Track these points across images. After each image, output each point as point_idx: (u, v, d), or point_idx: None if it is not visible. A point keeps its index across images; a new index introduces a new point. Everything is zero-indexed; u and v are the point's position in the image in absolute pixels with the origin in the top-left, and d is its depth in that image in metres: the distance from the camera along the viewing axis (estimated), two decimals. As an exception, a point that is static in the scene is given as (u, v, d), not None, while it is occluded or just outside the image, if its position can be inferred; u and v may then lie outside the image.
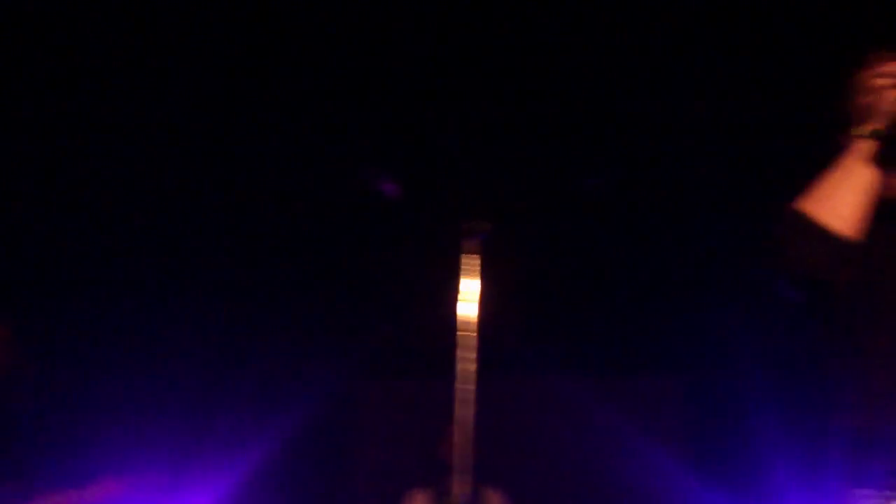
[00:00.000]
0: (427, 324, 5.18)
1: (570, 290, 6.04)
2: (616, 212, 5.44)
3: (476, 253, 3.04)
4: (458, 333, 2.97)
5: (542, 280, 5.89)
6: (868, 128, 1.98)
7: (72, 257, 5.45)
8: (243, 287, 5.88)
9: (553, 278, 5.92)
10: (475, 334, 2.96)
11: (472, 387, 2.91)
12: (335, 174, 5.16)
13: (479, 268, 3.03)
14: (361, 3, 4.03)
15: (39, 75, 4.37)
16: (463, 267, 3.03)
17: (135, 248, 5.56)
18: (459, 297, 3.01)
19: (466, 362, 2.94)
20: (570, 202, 5.34)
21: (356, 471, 6.47)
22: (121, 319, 5.70)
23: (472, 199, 5.11)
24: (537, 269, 5.76)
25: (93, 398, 5.54)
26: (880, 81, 2.02)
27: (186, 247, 5.62)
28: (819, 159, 2.04)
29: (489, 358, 3.33)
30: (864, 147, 1.97)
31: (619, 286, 6.02)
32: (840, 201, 1.94)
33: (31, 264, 5.38)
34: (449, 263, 3.20)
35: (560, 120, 4.76)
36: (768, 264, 2.01)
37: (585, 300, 6.09)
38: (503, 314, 4.59)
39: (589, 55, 4.31)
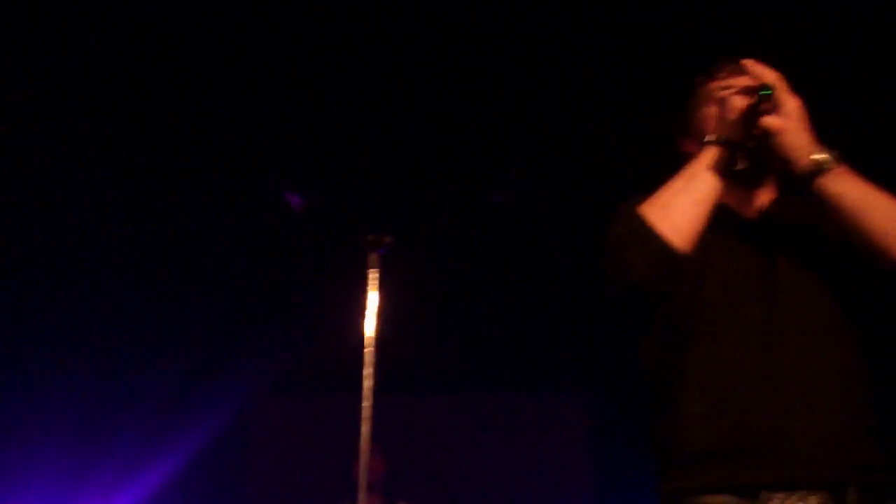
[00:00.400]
0: (330, 338, 5.12)
1: (470, 306, 6.03)
2: (521, 228, 5.45)
3: (377, 267, 3.02)
4: (363, 349, 2.94)
5: (443, 295, 5.87)
6: (713, 136, 1.96)
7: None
8: (141, 302, 5.74)
9: (454, 293, 5.91)
10: (373, 349, 2.93)
11: (369, 403, 2.87)
12: (238, 188, 5.07)
13: (378, 282, 3.01)
14: (260, 13, 3.95)
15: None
16: (365, 280, 3.01)
17: (28, 257, 5.39)
18: (362, 311, 2.99)
19: (367, 378, 2.91)
20: (474, 217, 5.34)
21: (258, 490, 6.34)
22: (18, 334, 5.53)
23: (375, 212, 5.07)
24: (438, 283, 5.74)
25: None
26: (724, 91, 2.03)
27: (84, 258, 5.45)
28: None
29: (392, 374, 3.29)
30: (709, 156, 1.95)
31: (519, 302, 6.04)
32: (678, 211, 1.91)
33: None
34: (351, 277, 3.17)
35: (467, 134, 4.76)
36: (601, 265, 1.97)
37: (486, 316, 6.09)
38: (403, 329, 4.58)
39: (496, 69, 4.31)
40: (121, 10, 3.88)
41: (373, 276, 3.01)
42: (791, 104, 1.93)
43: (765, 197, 2.11)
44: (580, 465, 6.14)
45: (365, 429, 2.89)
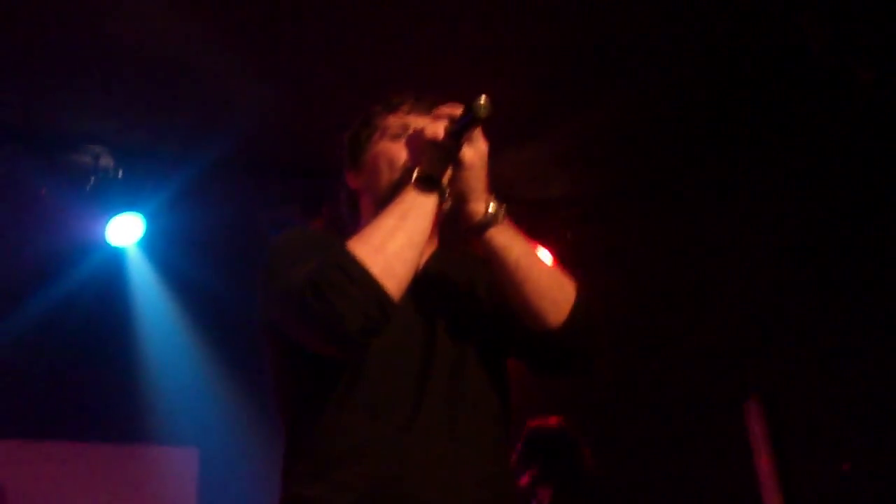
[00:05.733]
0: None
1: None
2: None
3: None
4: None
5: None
6: (422, 171, 1.78)
7: None
8: None
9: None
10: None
11: None
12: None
13: None
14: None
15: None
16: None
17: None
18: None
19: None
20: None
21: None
22: None
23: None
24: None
25: None
26: (415, 126, 1.92)
27: None
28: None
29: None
30: (419, 192, 1.75)
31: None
32: (394, 255, 1.69)
33: None
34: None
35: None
36: (290, 307, 1.70)
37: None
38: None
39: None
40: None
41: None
42: (482, 143, 1.82)
43: (427, 248, 1.93)
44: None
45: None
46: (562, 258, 4.87)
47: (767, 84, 4.26)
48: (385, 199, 1.88)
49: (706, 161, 4.83)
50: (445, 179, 1.79)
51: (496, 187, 1.87)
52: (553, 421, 3.83)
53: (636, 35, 4.05)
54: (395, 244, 1.69)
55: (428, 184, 1.77)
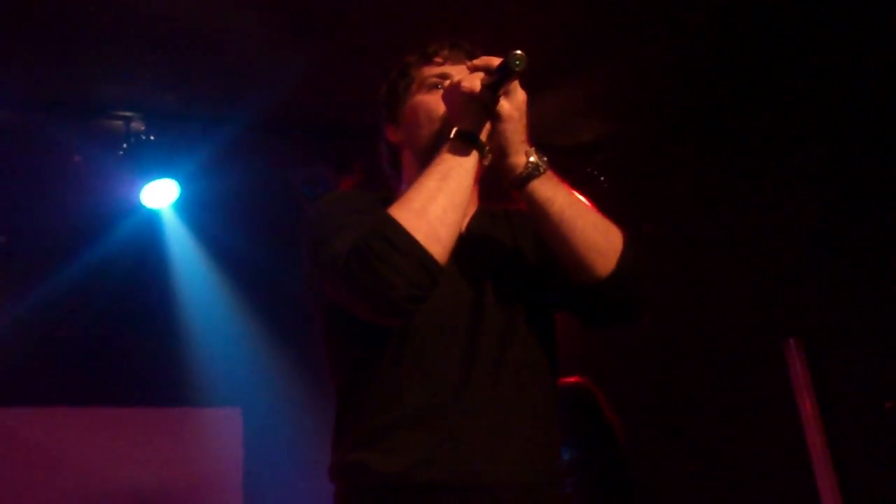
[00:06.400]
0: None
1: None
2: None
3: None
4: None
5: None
6: (462, 127, 1.74)
7: None
8: None
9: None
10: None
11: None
12: None
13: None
14: None
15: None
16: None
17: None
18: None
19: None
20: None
21: None
22: None
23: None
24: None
25: None
26: (452, 77, 1.88)
27: None
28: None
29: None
30: (459, 151, 1.72)
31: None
32: (437, 218, 1.65)
33: None
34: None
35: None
36: (335, 274, 1.68)
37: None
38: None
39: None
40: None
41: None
42: (521, 94, 1.78)
43: (469, 207, 1.90)
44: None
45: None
46: (597, 203, 4.83)
47: (806, 27, 4.19)
48: (426, 151, 1.87)
49: (745, 102, 4.76)
50: (484, 134, 1.75)
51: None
52: (574, 379, 3.83)
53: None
54: (437, 207, 1.66)
55: (467, 140, 1.73)
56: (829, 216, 4.42)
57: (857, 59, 4.20)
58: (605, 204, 1.95)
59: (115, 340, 5.65)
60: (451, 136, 1.75)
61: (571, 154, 5.20)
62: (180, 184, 4.73)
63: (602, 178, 5.21)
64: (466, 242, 1.85)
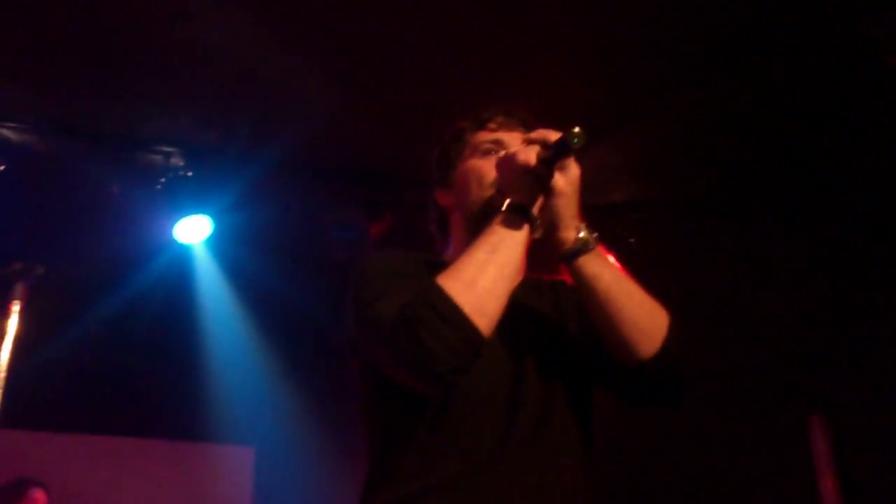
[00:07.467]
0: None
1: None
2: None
3: (21, 298, 2.93)
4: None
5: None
6: (514, 198, 1.74)
7: None
8: None
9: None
10: (3, 375, 2.84)
11: None
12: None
13: (19, 311, 2.91)
14: None
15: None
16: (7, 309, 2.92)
17: None
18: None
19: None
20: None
21: None
22: None
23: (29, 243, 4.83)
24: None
25: None
26: (506, 146, 1.90)
27: None
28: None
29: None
30: (510, 222, 1.71)
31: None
32: (486, 290, 1.64)
33: None
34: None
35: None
36: (378, 343, 1.68)
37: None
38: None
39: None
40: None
41: (15, 307, 2.89)
42: (575, 169, 1.77)
43: (516, 278, 1.84)
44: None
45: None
46: (624, 263, 4.85)
47: (842, 105, 4.19)
48: (475, 216, 1.88)
49: (773, 177, 4.75)
50: (536, 208, 1.75)
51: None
52: None
53: (710, 45, 4.00)
54: (486, 279, 1.65)
55: (519, 213, 1.72)
56: (856, 294, 4.40)
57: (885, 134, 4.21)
58: (633, 266, 1.93)
59: (139, 372, 5.69)
60: (504, 207, 1.74)
61: (601, 214, 5.20)
62: (213, 218, 4.76)
63: (632, 240, 5.20)
64: (511, 312, 1.79)
